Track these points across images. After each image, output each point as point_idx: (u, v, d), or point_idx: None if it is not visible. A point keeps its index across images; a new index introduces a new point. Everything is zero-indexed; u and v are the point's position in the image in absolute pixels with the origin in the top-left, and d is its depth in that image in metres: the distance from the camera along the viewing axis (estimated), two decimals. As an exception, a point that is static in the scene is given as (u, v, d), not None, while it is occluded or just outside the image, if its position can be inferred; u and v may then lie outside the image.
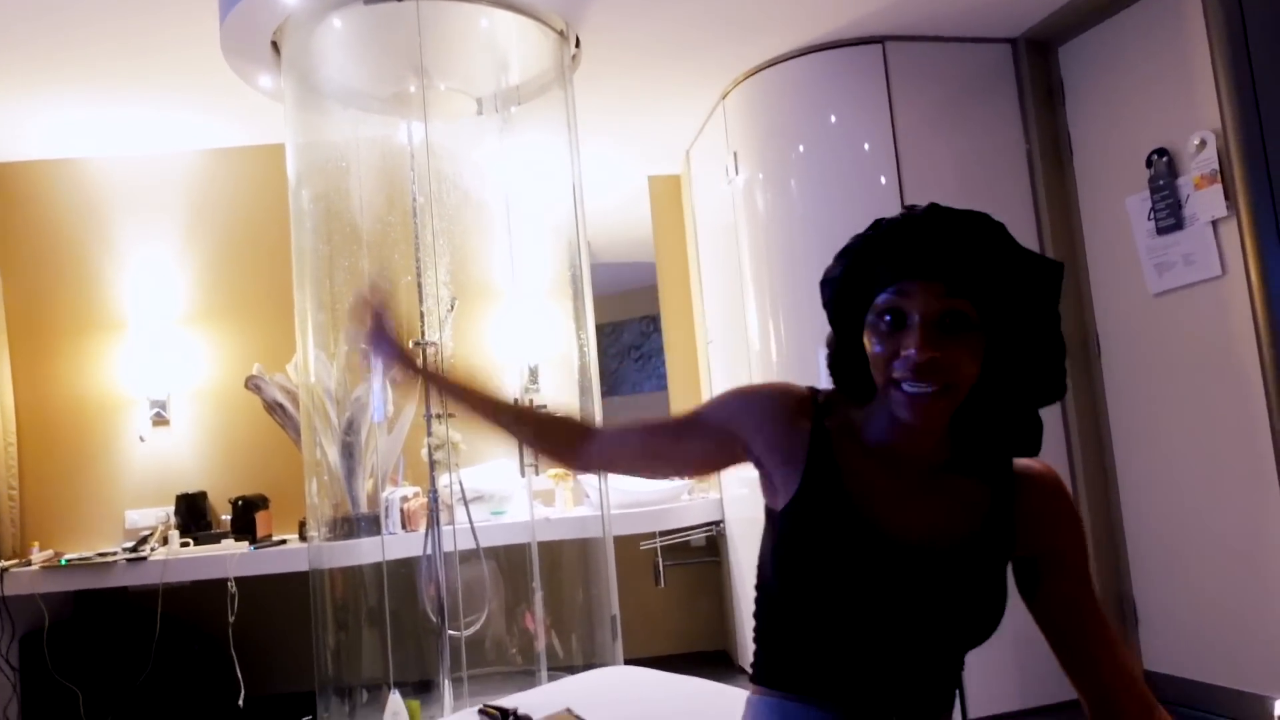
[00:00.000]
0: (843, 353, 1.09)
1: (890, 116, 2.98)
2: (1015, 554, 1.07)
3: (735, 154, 3.26)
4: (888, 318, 0.97)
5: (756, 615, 1.13)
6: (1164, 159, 2.66)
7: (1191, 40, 2.57)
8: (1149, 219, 2.72)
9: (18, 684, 3.12)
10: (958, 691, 1.09)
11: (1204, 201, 2.55)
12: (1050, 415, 2.97)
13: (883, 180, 2.94)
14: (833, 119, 3.04)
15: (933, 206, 0.99)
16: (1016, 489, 1.07)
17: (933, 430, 1.02)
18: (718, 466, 1.21)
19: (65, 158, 3.67)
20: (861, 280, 1.02)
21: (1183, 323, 2.68)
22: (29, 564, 3.08)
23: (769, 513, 1.12)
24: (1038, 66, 3.08)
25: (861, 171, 2.98)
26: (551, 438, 1.27)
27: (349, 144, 2.93)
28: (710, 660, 3.82)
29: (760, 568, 1.12)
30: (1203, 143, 2.53)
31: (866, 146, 2.98)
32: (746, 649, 3.32)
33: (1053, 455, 2.94)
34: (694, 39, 2.92)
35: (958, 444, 1.06)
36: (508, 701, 1.68)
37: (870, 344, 1.00)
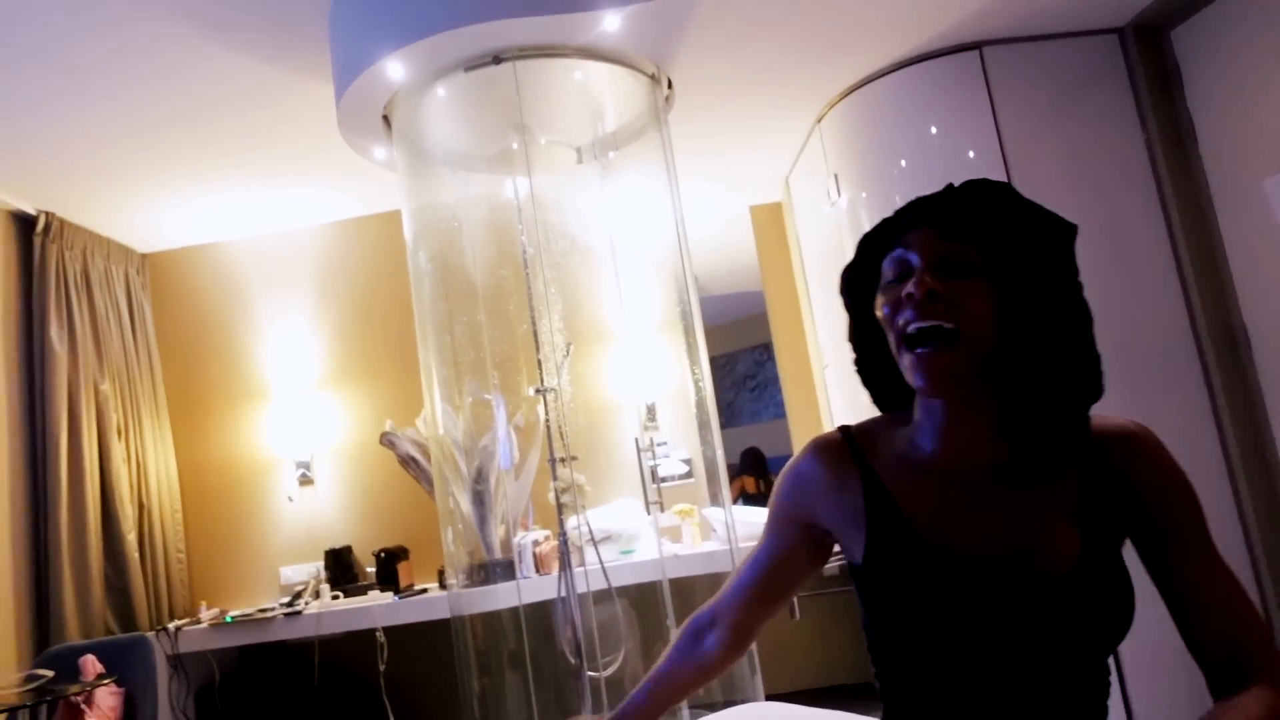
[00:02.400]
0: (868, 353, 1.09)
1: (994, 121, 2.90)
2: (1123, 529, 0.97)
3: (836, 176, 3.24)
4: (892, 271, 0.98)
5: (875, 674, 1.08)
6: (1301, 134, 2.48)
7: (1320, 6, 2.41)
8: (1291, 199, 2.54)
9: (194, 736, 3.33)
10: (1109, 703, 0.99)
11: (1352, 175, 2.37)
12: (1202, 417, 2.79)
13: (992, 187, 2.86)
14: (933, 130, 2.98)
15: (948, 184, 1.02)
16: (1102, 455, 0.97)
17: (944, 392, 0.94)
18: (826, 557, 1.16)
19: (208, 242, 3.98)
20: (875, 259, 1.03)
21: (1342, 306, 2.48)
22: (198, 622, 3.29)
23: (850, 569, 1.08)
24: (1149, 54, 2.94)
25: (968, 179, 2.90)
26: (700, 673, 1.21)
27: (459, 204, 3.07)
28: (852, 693, 3.72)
29: (862, 624, 1.08)
30: (1344, 113, 2.36)
31: (971, 154, 2.91)
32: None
33: (1207, 460, 2.76)
34: (784, 66, 2.94)
35: (1013, 436, 0.98)
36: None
37: (880, 311, 0.98)
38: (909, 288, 0.92)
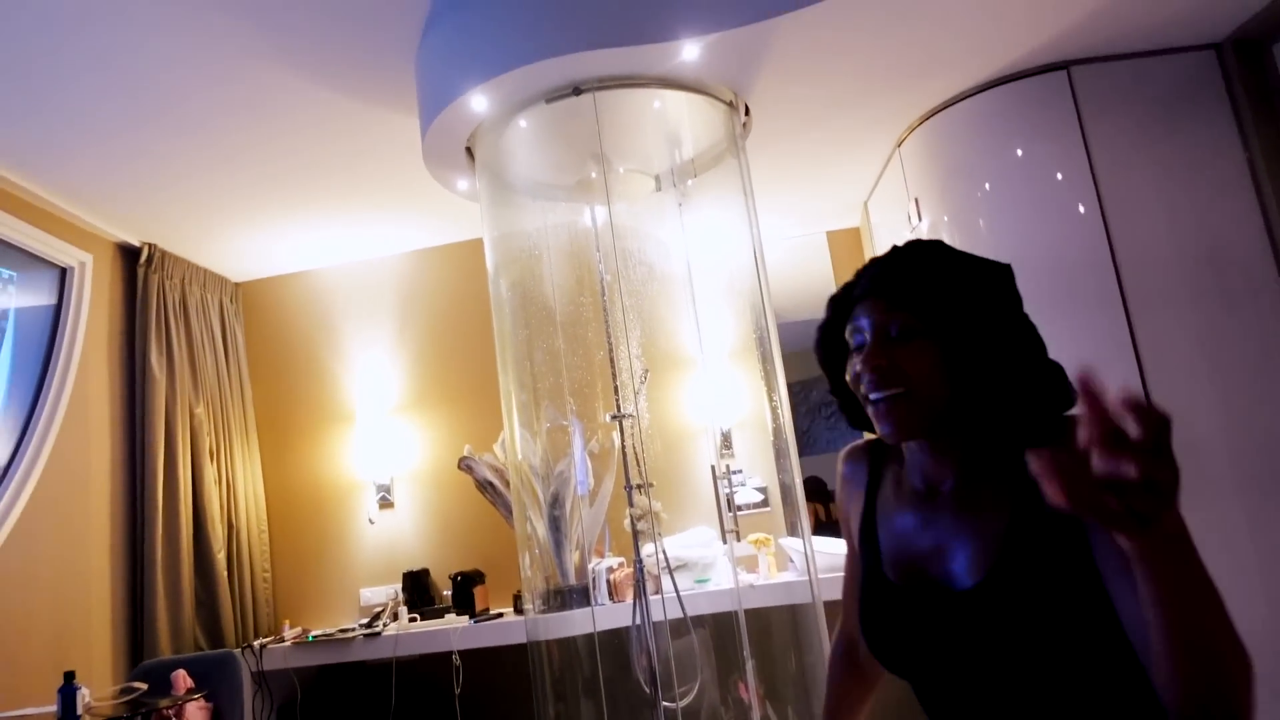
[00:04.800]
0: (848, 400, 1.16)
1: (1083, 142, 2.81)
2: (1064, 551, 0.92)
3: (916, 200, 3.18)
4: (854, 341, 1.08)
5: None
6: None
7: None
8: None
9: (277, 753, 3.40)
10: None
11: None
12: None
13: (1081, 209, 2.77)
14: (1019, 152, 2.91)
15: (892, 246, 1.10)
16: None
17: (908, 437, 1.04)
18: None
19: (296, 271, 4.12)
20: (842, 323, 1.13)
21: None
22: (282, 640, 3.37)
23: None
24: (1251, 69, 2.82)
25: (1057, 203, 2.82)
26: (865, 683, 1.39)
27: (540, 232, 3.11)
28: None
29: None
30: None
31: (1059, 176, 2.83)
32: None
33: (1320, 494, 2.59)
34: (863, 90, 2.91)
35: (968, 464, 1.05)
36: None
37: (849, 375, 1.09)
38: (858, 365, 1.05)
